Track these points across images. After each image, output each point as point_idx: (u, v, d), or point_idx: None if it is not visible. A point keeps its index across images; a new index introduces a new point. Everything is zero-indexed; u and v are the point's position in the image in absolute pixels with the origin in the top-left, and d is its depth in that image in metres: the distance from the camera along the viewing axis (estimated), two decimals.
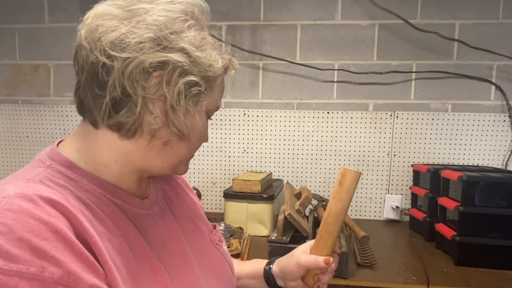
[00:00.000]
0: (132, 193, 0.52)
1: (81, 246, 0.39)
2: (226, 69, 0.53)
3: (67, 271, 0.36)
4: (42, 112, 1.82)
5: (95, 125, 0.48)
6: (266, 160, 1.72)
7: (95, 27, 0.44)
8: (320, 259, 0.64)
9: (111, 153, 0.48)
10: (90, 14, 0.46)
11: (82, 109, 0.49)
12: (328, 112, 1.67)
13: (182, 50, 0.46)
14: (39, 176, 0.44)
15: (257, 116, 1.71)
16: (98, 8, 0.46)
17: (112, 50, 0.43)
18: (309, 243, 0.69)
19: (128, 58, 0.44)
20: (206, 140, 0.56)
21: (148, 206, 0.54)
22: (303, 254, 0.66)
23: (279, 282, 0.71)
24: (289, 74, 1.69)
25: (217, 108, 0.55)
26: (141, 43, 0.44)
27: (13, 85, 1.84)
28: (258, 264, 0.74)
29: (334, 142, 1.68)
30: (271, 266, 0.71)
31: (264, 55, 1.67)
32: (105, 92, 0.44)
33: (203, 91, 0.48)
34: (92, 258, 0.39)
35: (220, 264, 0.61)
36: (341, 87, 1.67)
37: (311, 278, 0.66)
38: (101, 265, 0.40)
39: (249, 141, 1.73)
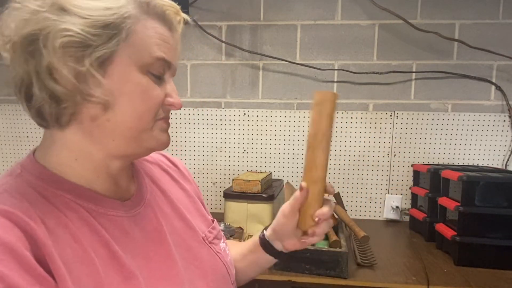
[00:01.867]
0: (110, 195, 0.50)
1: (30, 258, 0.38)
2: (146, 6, 0.46)
3: (9, 285, 0.35)
4: None
5: (44, 125, 0.47)
6: (266, 160, 1.72)
7: None
8: (296, 193, 0.58)
9: (67, 151, 0.47)
10: None
11: None
12: None
13: (54, 6, 0.42)
14: (5, 185, 0.44)
15: (257, 116, 1.71)
16: None
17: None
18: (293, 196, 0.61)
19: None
20: (157, 99, 0.48)
21: (128, 208, 0.51)
22: (285, 205, 0.60)
23: (277, 246, 0.65)
24: (289, 74, 1.69)
25: (158, 60, 0.47)
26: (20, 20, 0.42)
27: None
28: (255, 237, 0.69)
29: (334, 142, 1.68)
30: (265, 232, 0.66)
31: (264, 55, 1.67)
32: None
33: (99, 44, 0.43)
34: (41, 270, 0.38)
35: (212, 264, 0.58)
36: (341, 87, 1.67)
37: (307, 219, 0.58)
38: (53, 275, 0.39)
39: (249, 141, 1.73)
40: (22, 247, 0.38)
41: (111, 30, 0.43)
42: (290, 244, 0.62)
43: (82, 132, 0.46)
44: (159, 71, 0.48)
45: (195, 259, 0.56)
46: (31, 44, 0.42)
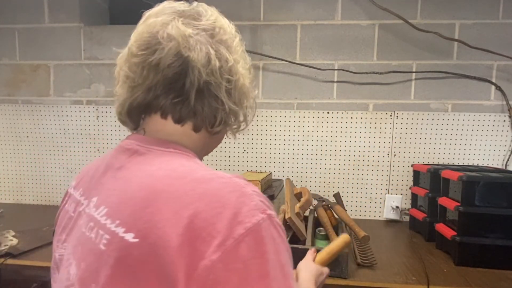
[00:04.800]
0: None
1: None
2: None
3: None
4: (42, 112, 1.82)
5: (197, 129, 0.55)
6: (266, 160, 1.72)
7: (206, 53, 0.52)
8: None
9: (199, 146, 0.57)
10: (188, 37, 0.51)
11: (183, 116, 0.54)
12: (328, 112, 1.67)
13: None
14: (206, 166, 0.54)
15: (257, 116, 1.71)
16: (187, 31, 0.51)
17: (229, 74, 0.54)
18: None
19: (239, 78, 0.56)
20: None
21: None
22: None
23: None
24: (289, 74, 1.69)
25: None
26: (245, 68, 0.58)
27: (13, 85, 1.84)
28: None
29: (334, 142, 1.68)
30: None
31: (264, 55, 1.67)
32: (220, 106, 0.54)
33: None
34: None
35: None
36: (341, 87, 1.67)
37: None
38: None
39: (249, 141, 1.73)
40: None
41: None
42: None
43: (216, 138, 0.62)
44: None
45: None
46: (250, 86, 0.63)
